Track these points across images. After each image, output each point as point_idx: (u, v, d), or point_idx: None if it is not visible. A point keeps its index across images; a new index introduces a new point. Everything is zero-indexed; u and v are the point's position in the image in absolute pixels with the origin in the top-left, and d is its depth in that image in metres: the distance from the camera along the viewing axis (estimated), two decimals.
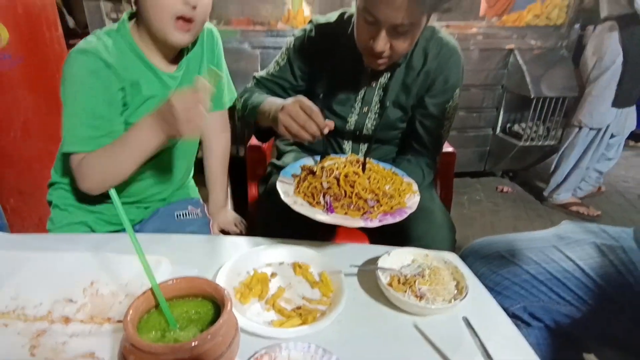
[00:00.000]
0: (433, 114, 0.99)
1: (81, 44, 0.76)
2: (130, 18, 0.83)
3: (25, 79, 1.38)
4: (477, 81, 2.53)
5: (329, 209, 0.73)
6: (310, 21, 1.04)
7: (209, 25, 0.95)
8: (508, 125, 2.69)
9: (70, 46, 0.91)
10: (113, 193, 0.47)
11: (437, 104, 0.99)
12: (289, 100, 0.79)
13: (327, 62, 1.01)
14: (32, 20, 1.36)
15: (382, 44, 0.80)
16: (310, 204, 0.75)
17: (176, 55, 0.88)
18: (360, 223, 0.71)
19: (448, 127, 1.03)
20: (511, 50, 2.47)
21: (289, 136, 0.79)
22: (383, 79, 0.99)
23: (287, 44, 1.06)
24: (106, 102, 0.77)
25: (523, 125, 2.57)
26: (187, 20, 0.75)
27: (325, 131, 0.78)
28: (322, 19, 1.03)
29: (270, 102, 0.91)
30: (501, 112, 2.66)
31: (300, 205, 0.73)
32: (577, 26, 4.46)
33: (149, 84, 0.83)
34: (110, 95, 0.78)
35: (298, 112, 0.76)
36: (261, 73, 1.10)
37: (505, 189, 2.76)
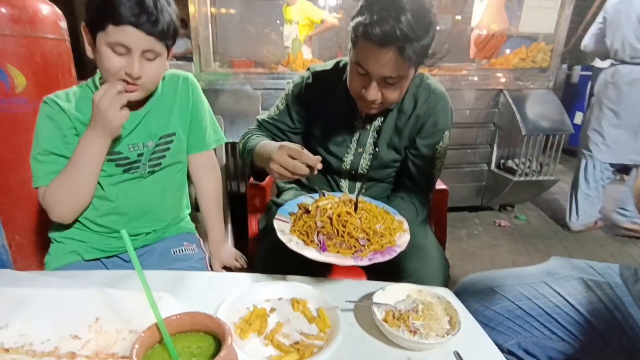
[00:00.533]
0: (424, 154, 1.05)
1: (50, 96, 0.89)
2: None
3: None
4: (470, 119, 2.63)
5: (322, 247, 0.76)
6: (308, 69, 1.11)
7: (185, 73, 1.03)
8: (502, 161, 2.75)
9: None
10: (124, 233, 0.51)
11: (428, 145, 1.04)
12: (276, 148, 0.84)
13: (323, 106, 1.07)
14: (49, 68, 1.44)
15: (373, 93, 0.87)
16: (305, 242, 0.78)
17: (140, 102, 0.93)
18: (351, 262, 0.73)
19: (439, 167, 1.08)
20: (500, 90, 2.59)
21: (285, 179, 0.85)
22: (377, 122, 1.05)
23: (286, 90, 1.13)
24: (61, 140, 0.88)
25: (517, 161, 2.63)
26: (131, 83, 0.83)
27: (319, 166, 0.81)
28: (319, 67, 1.10)
29: (263, 145, 0.95)
30: (495, 149, 2.74)
31: (295, 244, 0.76)
32: (564, 66, 4.67)
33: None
34: (64, 134, 0.88)
35: (286, 160, 0.81)
36: (263, 116, 1.17)
37: (503, 223, 2.78)
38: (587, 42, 2.57)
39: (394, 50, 0.80)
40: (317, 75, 1.09)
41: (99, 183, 0.94)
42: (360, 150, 1.08)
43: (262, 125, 1.16)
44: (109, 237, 1.00)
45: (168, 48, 0.86)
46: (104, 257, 1.02)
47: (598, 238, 2.65)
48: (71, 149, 0.88)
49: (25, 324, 0.62)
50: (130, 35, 0.76)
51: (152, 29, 0.77)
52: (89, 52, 0.84)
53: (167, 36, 0.82)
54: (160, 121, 0.97)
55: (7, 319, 0.63)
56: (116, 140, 0.91)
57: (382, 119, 1.04)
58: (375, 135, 1.06)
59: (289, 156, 0.81)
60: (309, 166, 0.81)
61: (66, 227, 0.99)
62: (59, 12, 1.49)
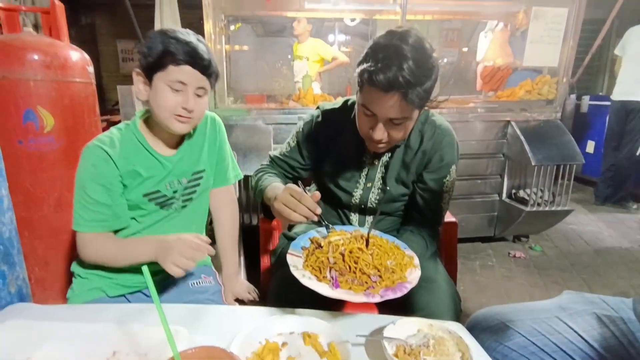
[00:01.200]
0: (432, 188, 1.07)
1: (95, 142, 0.93)
2: (142, 114, 1.02)
3: (63, 158, 1.51)
4: (479, 150, 2.65)
5: (335, 284, 0.77)
6: (318, 107, 1.16)
7: (212, 114, 1.10)
8: (513, 191, 2.74)
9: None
10: (145, 269, 0.54)
11: (435, 179, 1.06)
12: (281, 189, 0.89)
13: (333, 143, 1.11)
14: (76, 109, 1.53)
15: (379, 133, 0.91)
16: (318, 277, 0.79)
17: (178, 140, 1.02)
18: (363, 299, 0.74)
19: (447, 200, 1.10)
20: (508, 122, 2.61)
21: (283, 220, 0.88)
22: (384, 158, 1.08)
23: (297, 127, 1.18)
24: (105, 189, 0.92)
25: (528, 191, 2.62)
26: (185, 117, 0.92)
27: (318, 211, 0.84)
28: (328, 106, 1.15)
29: (273, 188, 1.00)
30: (505, 179, 2.73)
31: (308, 279, 0.78)
32: (572, 96, 4.70)
33: (148, 167, 0.97)
34: (109, 183, 0.92)
35: (288, 198, 0.85)
36: (275, 152, 1.22)
37: (517, 254, 2.73)
38: None
39: (398, 95, 0.84)
40: (327, 114, 1.13)
41: (134, 219, 1.00)
42: (369, 185, 1.11)
43: (274, 162, 1.21)
44: (133, 273, 1.02)
45: (212, 86, 0.96)
46: (128, 293, 1.04)
47: (618, 269, 2.57)
48: (114, 196, 0.94)
49: (46, 357, 0.64)
50: (188, 73, 0.88)
51: (204, 69, 0.89)
52: (140, 94, 0.93)
53: (213, 75, 0.93)
54: (193, 159, 1.04)
55: (30, 352, 0.65)
56: (157, 181, 0.98)
57: (390, 154, 1.08)
58: (384, 171, 1.09)
59: (292, 196, 0.85)
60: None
61: (90, 264, 1.01)
62: (87, 57, 1.60)
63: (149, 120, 0.99)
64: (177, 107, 0.90)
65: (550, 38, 2.58)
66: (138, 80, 0.92)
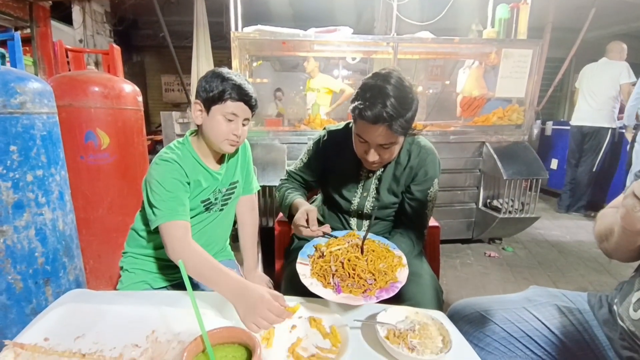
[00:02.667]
0: (418, 198, 1.07)
1: (164, 154, 0.94)
2: (190, 134, 1.02)
3: (115, 170, 1.55)
4: (458, 166, 2.64)
5: (338, 289, 0.78)
6: (324, 128, 1.18)
7: None
8: (488, 200, 2.71)
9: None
10: (181, 263, 0.55)
11: (421, 190, 1.07)
12: (300, 210, 0.99)
13: (336, 159, 1.12)
14: (127, 130, 1.57)
15: (372, 156, 0.94)
16: (323, 284, 0.80)
17: (220, 157, 1.04)
18: (362, 302, 0.75)
19: (431, 208, 1.10)
20: (483, 143, 2.61)
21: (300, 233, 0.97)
22: (378, 173, 1.09)
23: (307, 146, 1.19)
24: (181, 188, 0.92)
25: (501, 200, 2.59)
26: (235, 141, 0.95)
27: (319, 234, 0.93)
28: (333, 127, 1.16)
29: (296, 204, 1.06)
30: (481, 190, 2.71)
31: (315, 287, 0.79)
32: (538, 121, 4.68)
33: (204, 179, 0.99)
34: (183, 186, 0.93)
35: (301, 222, 0.95)
36: (291, 168, 1.24)
37: (492, 254, 2.68)
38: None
39: (384, 126, 0.86)
40: (332, 134, 1.15)
41: None
42: (365, 194, 1.11)
43: (290, 176, 1.23)
44: (174, 269, 1.02)
45: (252, 117, 0.99)
46: (169, 285, 1.04)
47: (578, 268, 2.51)
48: (185, 195, 0.93)
49: (98, 334, 0.65)
50: (240, 107, 0.93)
51: (251, 105, 0.94)
52: (196, 119, 0.96)
53: (255, 109, 0.97)
54: (230, 173, 1.07)
55: (84, 330, 0.66)
56: (211, 190, 1.00)
57: (383, 169, 1.09)
58: (377, 182, 1.10)
59: (305, 219, 0.95)
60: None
61: (137, 259, 1.03)
62: (137, 89, 1.65)
63: (197, 139, 1.01)
64: (229, 134, 0.93)
65: (518, 74, 2.59)
66: (196, 107, 0.95)
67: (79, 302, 0.77)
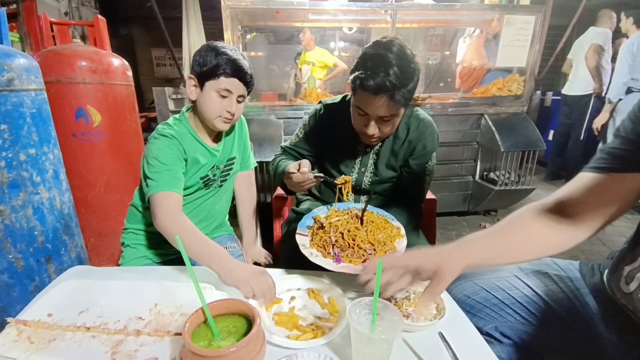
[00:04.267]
0: (416, 171, 1.06)
1: (163, 130, 0.91)
2: (187, 110, 1.00)
3: (109, 148, 1.53)
4: (456, 139, 2.62)
5: (337, 259, 0.78)
6: (320, 102, 1.15)
7: None
8: (485, 173, 2.72)
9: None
10: (179, 239, 0.55)
11: (419, 164, 1.06)
12: (292, 164, 0.96)
13: (333, 133, 1.10)
14: (118, 106, 1.53)
15: (372, 129, 0.91)
16: (323, 254, 0.81)
17: (217, 134, 1.03)
18: (361, 270, 0.75)
19: (429, 181, 1.09)
20: (482, 115, 2.58)
21: (296, 187, 0.95)
22: (376, 147, 1.08)
23: (303, 120, 1.16)
24: (177, 163, 0.90)
25: (497, 173, 2.60)
26: (228, 118, 0.93)
27: (311, 176, 0.91)
28: (329, 101, 1.13)
29: (287, 167, 1.02)
30: (478, 163, 2.71)
31: (315, 257, 0.79)
32: (538, 92, 4.61)
33: (203, 156, 0.97)
34: (180, 161, 0.92)
35: (291, 167, 0.94)
36: (286, 143, 1.21)
37: (487, 226, 2.72)
38: None
39: (386, 97, 0.83)
40: (328, 107, 1.12)
41: (185, 198, 0.97)
42: (363, 169, 1.10)
43: (285, 151, 1.20)
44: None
45: (248, 94, 0.97)
46: (170, 260, 1.05)
47: None
48: (181, 169, 0.91)
49: (102, 308, 0.67)
50: (234, 83, 0.90)
51: (247, 81, 0.92)
52: (191, 94, 0.93)
53: (251, 86, 0.95)
54: (227, 149, 1.06)
55: (87, 304, 0.68)
56: (209, 167, 0.99)
57: (381, 144, 1.07)
58: (375, 157, 1.09)
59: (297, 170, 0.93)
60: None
61: (138, 235, 1.03)
62: (126, 63, 1.59)
63: (193, 116, 0.99)
64: (223, 111, 0.91)
65: (520, 42, 2.51)
66: (190, 82, 0.92)
67: (81, 278, 0.78)
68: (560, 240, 0.62)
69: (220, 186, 1.07)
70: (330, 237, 0.82)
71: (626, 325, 0.61)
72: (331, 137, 1.11)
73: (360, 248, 0.80)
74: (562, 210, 0.63)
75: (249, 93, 0.96)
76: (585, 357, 0.65)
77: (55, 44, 1.64)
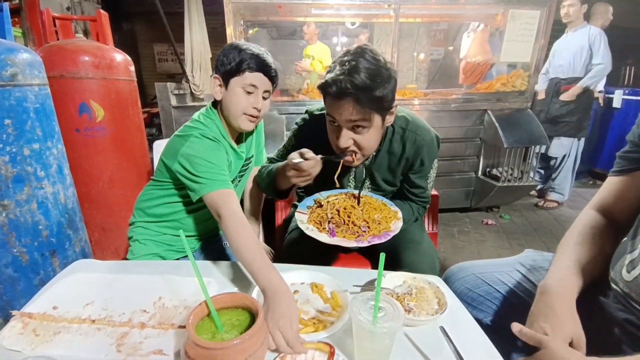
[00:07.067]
0: (419, 184, 1.04)
1: (203, 130, 0.89)
2: (210, 108, 0.97)
3: (112, 143, 1.53)
4: (459, 135, 2.61)
5: (332, 233, 0.80)
6: (306, 111, 1.08)
7: None
8: (487, 169, 2.71)
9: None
10: (182, 234, 0.55)
11: (420, 176, 1.03)
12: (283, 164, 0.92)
13: (321, 143, 0.99)
14: (121, 102, 1.54)
15: (344, 140, 0.87)
16: (318, 229, 0.82)
17: (239, 134, 1.03)
18: (354, 244, 0.77)
19: (432, 185, 1.08)
20: (485, 110, 2.56)
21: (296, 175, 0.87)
22: (367, 162, 1.02)
23: (292, 131, 1.10)
24: (226, 165, 0.90)
25: (500, 169, 2.59)
26: (254, 116, 0.93)
27: (309, 155, 0.85)
28: (315, 110, 1.07)
29: (277, 166, 0.99)
30: (481, 159, 2.70)
31: (310, 231, 0.80)
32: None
33: (233, 158, 0.98)
34: (226, 163, 0.92)
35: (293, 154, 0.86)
36: (272, 155, 1.15)
37: (489, 222, 2.73)
38: None
39: (351, 99, 0.80)
40: (314, 117, 1.05)
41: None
42: (358, 184, 1.06)
43: (272, 162, 1.13)
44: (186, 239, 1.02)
45: (273, 90, 0.96)
46: (179, 259, 1.03)
47: None
48: (226, 167, 0.90)
49: (107, 301, 0.67)
50: (259, 78, 0.90)
51: (271, 75, 0.91)
52: (216, 94, 0.93)
53: (276, 81, 0.94)
54: (247, 148, 1.06)
55: (93, 297, 0.68)
56: (236, 168, 1.00)
57: (373, 159, 1.02)
58: (369, 173, 1.04)
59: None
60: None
61: (147, 230, 1.01)
62: (129, 58, 1.59)
63: (219, 117, 0.97)
64: (249, 107, 0.91)
65: (524, 37, 2.49)
66: (215, 83, 0.92)
67: (86, 271, 0.79)
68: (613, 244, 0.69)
69: (236, 186, 1.06)
70: (327, 214, 0.83)
71: (628, 314, 0.61)
72: (320, 146, 0.97)
73: (355, 225, 0.81)
74: (604, 216, 0.73)
75: (274, 89, 0.95)
76: (585, 348, 0.65)
77: (57, 39, 1.64)
